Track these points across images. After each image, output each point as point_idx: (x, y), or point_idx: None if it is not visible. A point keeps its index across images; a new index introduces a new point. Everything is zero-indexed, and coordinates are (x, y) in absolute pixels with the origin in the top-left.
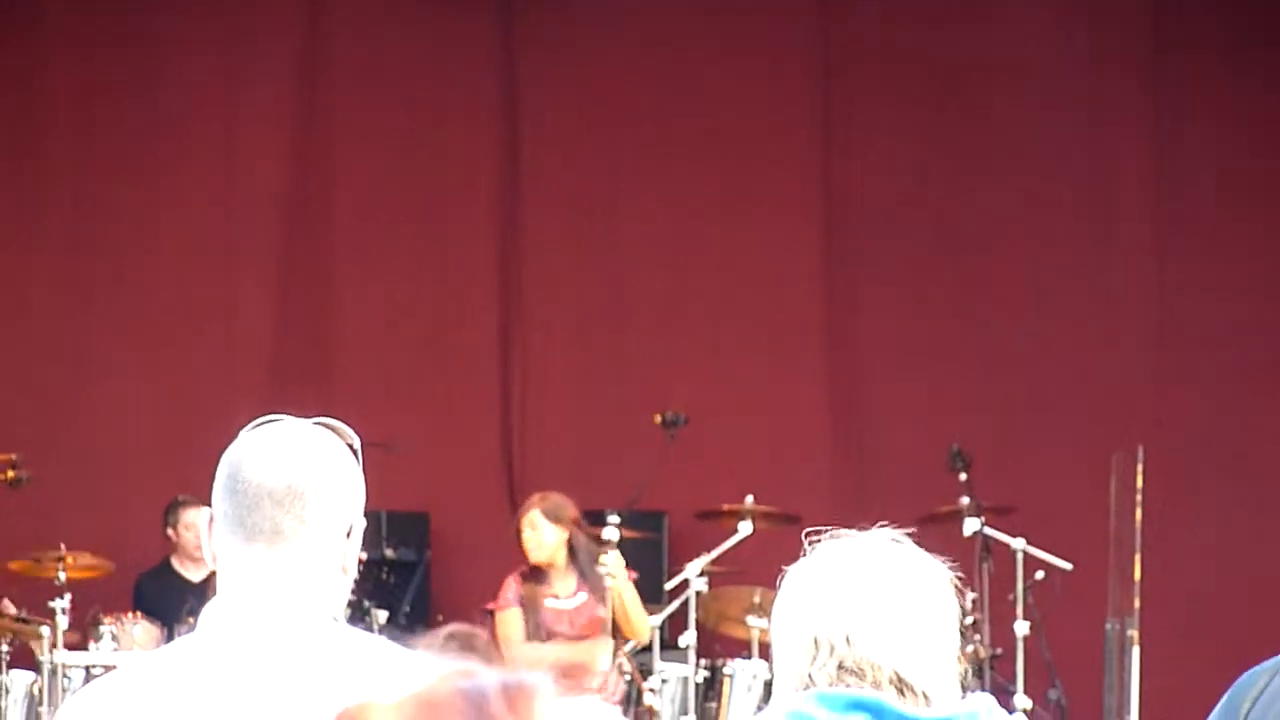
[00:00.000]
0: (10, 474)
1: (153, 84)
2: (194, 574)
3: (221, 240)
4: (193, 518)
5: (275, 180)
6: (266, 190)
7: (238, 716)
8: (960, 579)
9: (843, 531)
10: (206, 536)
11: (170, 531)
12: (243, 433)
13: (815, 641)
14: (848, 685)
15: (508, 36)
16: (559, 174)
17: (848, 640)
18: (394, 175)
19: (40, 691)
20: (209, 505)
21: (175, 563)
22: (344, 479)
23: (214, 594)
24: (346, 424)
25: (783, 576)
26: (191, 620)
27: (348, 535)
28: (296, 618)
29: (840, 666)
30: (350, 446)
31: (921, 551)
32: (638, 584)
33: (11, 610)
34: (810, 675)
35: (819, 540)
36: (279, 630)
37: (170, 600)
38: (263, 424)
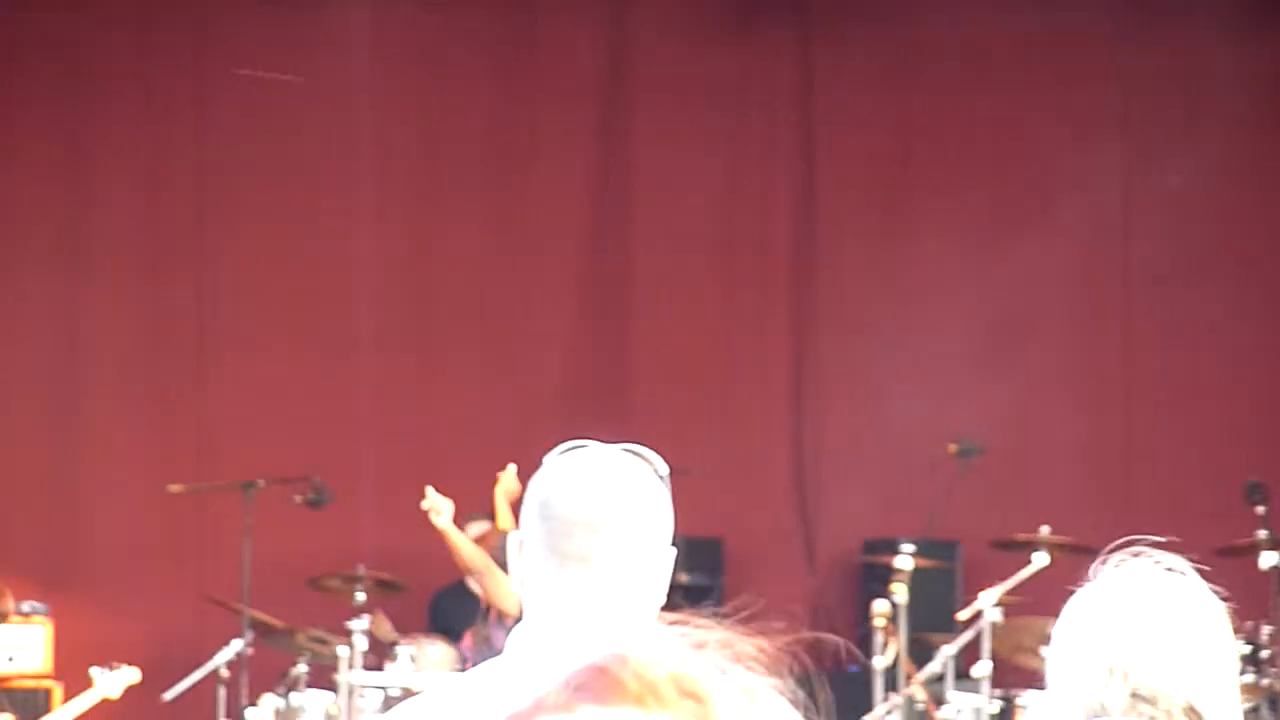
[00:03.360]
0: (310, 494)
1: (451, 109)
2: None
3: (520, 268)
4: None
5: (573, 209)
6: (564, 218)
7: None
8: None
9: (1127, 558)
10: (516, 559)
11: None
12: (549, 459)
13: (1109, 669)
14: (1140, 713)
15: (807, 71)
16: (853, 203)
17: (1143, 667)
18: (691, 204)
19: (338, 712)
20: (498, 531)
21: (470, 581)
22: (653, 507)
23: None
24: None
25: (1068, 603)
26: (479, 633)
27: (656, 562)
28: (609, 641)
29: (1134, 694)
30: (658, 474)
31: (1203, 583)
32: (930, 613)
33: (388, 628)
34: (1102, 702)
35: (1104, 567)
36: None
37: (464, 618)
38: (570, 450)
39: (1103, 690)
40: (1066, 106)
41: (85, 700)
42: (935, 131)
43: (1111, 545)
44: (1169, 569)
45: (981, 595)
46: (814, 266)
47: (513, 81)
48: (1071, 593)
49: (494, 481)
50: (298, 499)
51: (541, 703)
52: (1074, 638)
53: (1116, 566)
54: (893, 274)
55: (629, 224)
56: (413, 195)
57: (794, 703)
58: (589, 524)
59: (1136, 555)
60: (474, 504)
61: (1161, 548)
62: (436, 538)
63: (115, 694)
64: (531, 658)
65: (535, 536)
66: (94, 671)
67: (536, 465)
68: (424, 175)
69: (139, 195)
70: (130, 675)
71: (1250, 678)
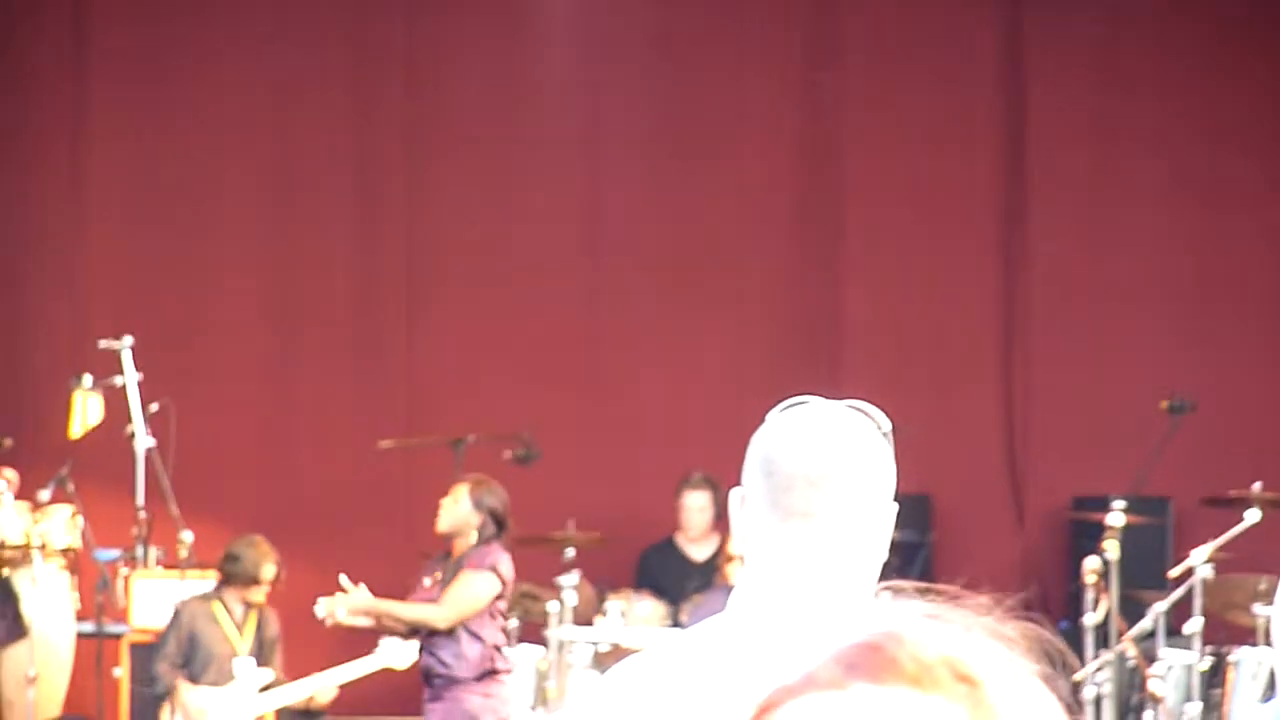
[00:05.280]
0: (520, 450)
1: (659, 69)
2: (696, 552)
3: (731, 226)
4: (690, 500)
5: (783, 167)
6: (774, 177)
7: None
8: None
9: None
10: (738, 515)
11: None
12: (772, 415)
13: None
14: None
15: (1015, 23)
16: (1063, 160)
17: None
18: (900, 161)
19: (547, 667)
20: (712, 487)
21: (679, 540)
22: (876, 463)
23: (716, 572)
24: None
25: None
26: (697, 598)
27: (879, 518)
28: (832, 597)
29: None
30: (881, 430)
31: None
32: (1141, 570)
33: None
34: None
35: None
36: (816, 609)
37: (673, 575)
38: (793, 406)
39: None
40: (1274, 65)
41: (364, 666)
42: (1144, 86)
43: None
44: None
45: (1193, 552)
46: (1024, 223)
47: (723, 45)
48: None
49: (708, 439)
50: (507, 455)
51: (812, 678)
52: None
53: None
54: (1103, 230)
55: (839, 182)
56: (621, 150)
57: (1049, 682)
58: (810, 479)
59: None
60: (688, 462)
61: None
62: (645, 493)
63: (403, 665)
64: (754, 614)
65: (757, 492)
66: (383, 641)
67: (748, 423)
68: (632, 132)
69: (348, 152)
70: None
71: None
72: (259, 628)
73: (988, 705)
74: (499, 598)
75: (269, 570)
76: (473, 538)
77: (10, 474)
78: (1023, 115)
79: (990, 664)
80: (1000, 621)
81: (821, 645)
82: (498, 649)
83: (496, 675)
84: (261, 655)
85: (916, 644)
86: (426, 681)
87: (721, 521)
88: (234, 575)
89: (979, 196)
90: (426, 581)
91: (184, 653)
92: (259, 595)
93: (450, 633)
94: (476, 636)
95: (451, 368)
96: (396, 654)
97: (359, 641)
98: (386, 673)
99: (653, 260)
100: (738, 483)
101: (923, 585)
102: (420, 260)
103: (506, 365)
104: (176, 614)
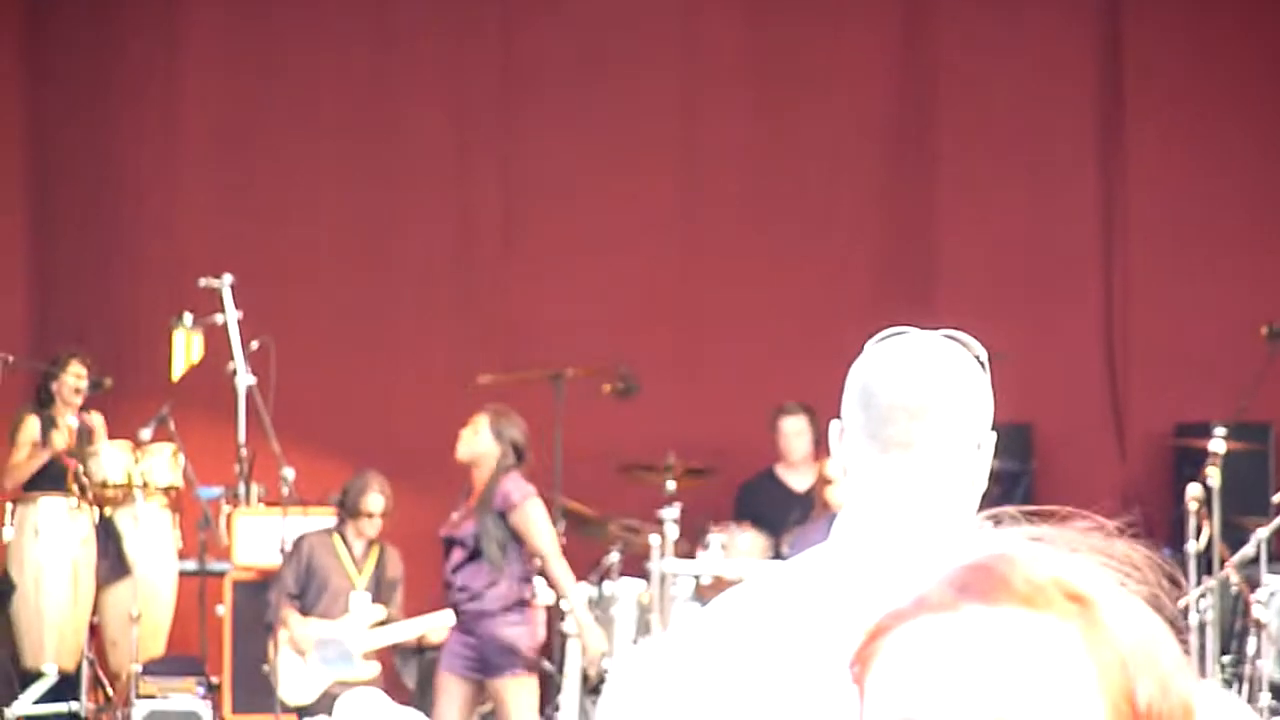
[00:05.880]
0: (619, 384)
1: (765, 17)
2: (796, 482)
3: (826, 154)
4: (788, 425)
5: (879, 98)
6: (870, 108)
7: None
8: None
9: None
10: (837, 447)
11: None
12: (870, 345)
13: None
14: None
15: None
16: (1160, 93)
17: None
18: (994, 86)
19: (650, 599)
20: (808, 412)
21: (779, 470)
22: (974, 392)
23: (816, 503)
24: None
25: None
26: (797, 529)
27: (978, 447)
28: (933, 527)
29: None
30: (978, 359)
31: None
32: (1243, 497)
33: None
34: None
35: None
36: (917, 540)
37: (773, 508)
38: (890, 336)
39: None
40: None
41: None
42: (1237, 22)
43: None
44: None
45: None
46: (1122, 148)
47: None
48: None
49: (805, 370)
50: (606, 388)
51: (924, 601)
52: None
53: None
54: (1200, 161)
55: (933, 109)
56: (715, 84)
57: (1157, 601)
58: (910, 410)
59: None
60: (786, 393)
61: None
62: (744, 425)
63: None
64: (855, 545)
65: (856, 424)
66: None
67: (846, 354)
68: (727, 65)
69: (443, 87)
70: None
71: None
72: (379, 565)
73: (1099, 623)
74: None
75: (373, 501)
76: (491, 467)
77: (98, 418)
78: (1118, 31)
79: (1101, 583)
80: (1107, 543)
81: (931, 569)
82: (527, 579)
83: (529, 604)
84: (380, 593)
85: (1027, 565)
86: (456, 613)
87: (821, 450)
88: (344, 509)
89: (1075, 118)
90: (454, 516)
91: (300, 584)
92: (371, 528)
93: (488, 564)
94: (516, 563)
95: (549, 302)
96: None
97: None
98: None
99: (748, 191)
100: (836, 414)
101: (1028, 510)
102: (517, 195)
103: (604, 299)
104: (296, 545)
